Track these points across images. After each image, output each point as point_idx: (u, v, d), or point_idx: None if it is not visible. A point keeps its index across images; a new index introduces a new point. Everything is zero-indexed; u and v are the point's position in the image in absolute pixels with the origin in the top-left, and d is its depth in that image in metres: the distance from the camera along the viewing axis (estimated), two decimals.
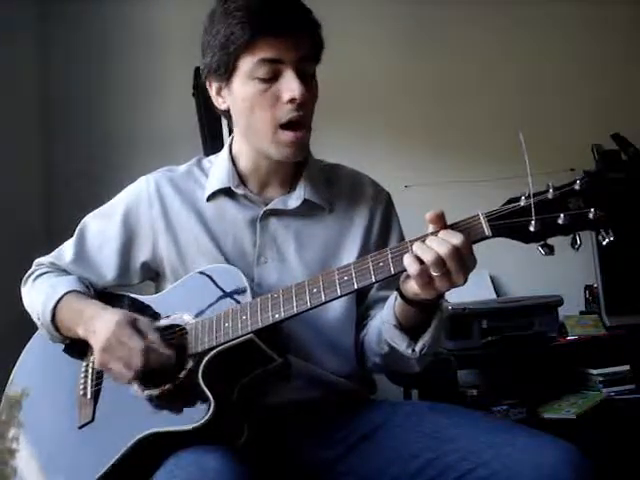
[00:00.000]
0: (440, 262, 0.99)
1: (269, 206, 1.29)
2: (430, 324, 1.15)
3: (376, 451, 1.20)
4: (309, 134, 1.24)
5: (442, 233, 1.01)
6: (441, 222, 1.02)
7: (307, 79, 1.21)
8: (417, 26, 2.79)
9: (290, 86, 1.18)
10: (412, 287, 1.06)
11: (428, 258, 0.99)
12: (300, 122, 1.20)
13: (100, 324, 1.18)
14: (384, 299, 1.28)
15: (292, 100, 1.18)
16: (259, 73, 1.19)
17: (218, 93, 1.26)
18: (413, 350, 1.16)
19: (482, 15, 2.77)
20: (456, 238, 0.99)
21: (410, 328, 1.16)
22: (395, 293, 1.14)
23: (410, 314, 1.14)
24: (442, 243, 0.99)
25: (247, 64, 1.19)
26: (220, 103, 1.27)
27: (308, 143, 1.26)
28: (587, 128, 2.51)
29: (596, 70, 2.80)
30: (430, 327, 1.15)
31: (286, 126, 1.20)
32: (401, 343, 1.16)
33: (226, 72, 1.22)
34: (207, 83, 1.27)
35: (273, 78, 1.19)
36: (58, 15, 2.60)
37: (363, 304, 1.32)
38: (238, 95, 1.23)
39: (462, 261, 0.99)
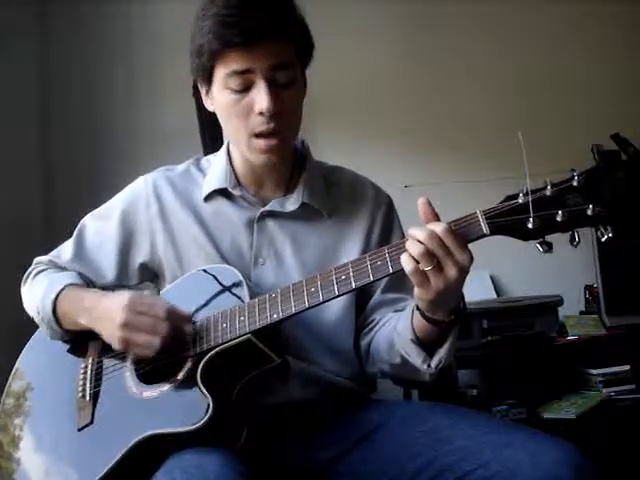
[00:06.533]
0: (427, 253, 0.98)
1: (266, 207, 1.29)
2: (446, 339, 1.12)
3: (375, 451, 1.20)
4: (287, 139, 1.23)
5: (428, 225, 1.01)
6: (429, 211, 1.02)
7: (282, 87, 1.18)
8: (416, 26, 2.79)
9: (260, 99, 1.16)
10: (415, 291, 1.05)
11: (415, 251, 0.99)
12: (272, 132, 1.19)
13: (109, 305, 1.18)
14: (388, 302, 1.28)
15: (262, 113, 1.17)
16: (231, 84, 1.18)
17: (206, 95, 1.26)
18: (429, 365, 1.14)
19: (481, 14, 2.77)
20: (436, 225, 0.99)
21: (427, 343, 1.13)
22: (413, 306, 1.12)
23: (428, 328, 1.11)
24: (424, 231, 0.99)
25: (220, 74, 1.19)
26: (209, 105, 1.28)
27: (286, 147, 1.25)
28: (587, 128, 2.51)
29: (596, 70, 2.79)
30: (446, 342, 1.12)
31: (259, 135, 1.20)
32: (416, 358, 1.14)
33: (204, 78, 1.22)
34: (199, 85, 1.27)
35: (246, 89, 1.18)
36: (58, 15, 2.61)
37: (366, 307, 1.31)
38: (217, 102, 1.23)
39: (448, 250, 0.98)
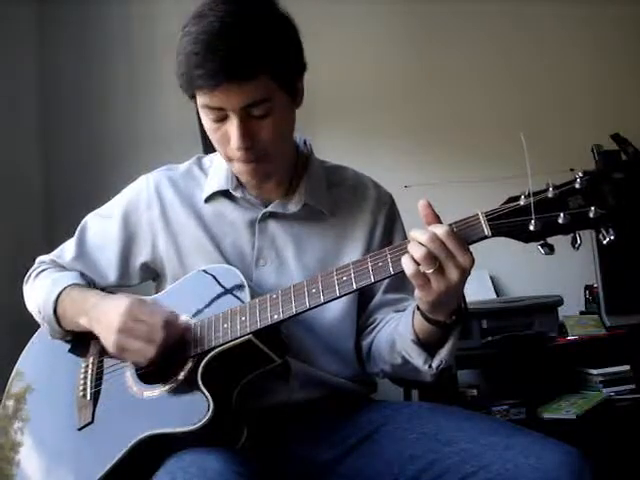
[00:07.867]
0: (428, 256, 0.98)
1: (268, 208, 1.28)
2: (447, 339, 1.12)
3: (376, 452, 1.20)
4: (268, 163, 1.20)
5: (429, 227, 1.00)
6: (430, 213, 1.01)
7: (258, 119, 1.14)
8: (417, 25, 2.79)
9: (232, 135, 1.14)
10: (416, 293, 1.05)
11: (417, 253, 0.98)
12: (249, 161, 1.18)
13: (109, 308, 1.18)
14: (389, 302, 1.28)
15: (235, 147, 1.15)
16: (208, 114, 1.16)
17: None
18: (430, 366, 1.14)
19: (482, 14, 2.77)
20: (437, 228, 0.99)
21: (428, 343, 1.13)
22: (414, 306, 1.12)
23: (429, 329, 1.11)
24: (425, 234, 0.98)
25: (199, 101, 1.16)
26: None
27: (268, 169, 1.21)
28: (587, 128, 2.51)
29: (596, 70, 2.80)
30: (448, 342, 1.12)
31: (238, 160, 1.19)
32: (418, 358, 1.14)
33: (191, 99, 1.20)
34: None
35: (222, 119, 1.15)
36: (58, 15, 2.60)
37: (368, 307, 1.31)
38: (203, 121, 1.21)
39: (450, 253, 0.98)
